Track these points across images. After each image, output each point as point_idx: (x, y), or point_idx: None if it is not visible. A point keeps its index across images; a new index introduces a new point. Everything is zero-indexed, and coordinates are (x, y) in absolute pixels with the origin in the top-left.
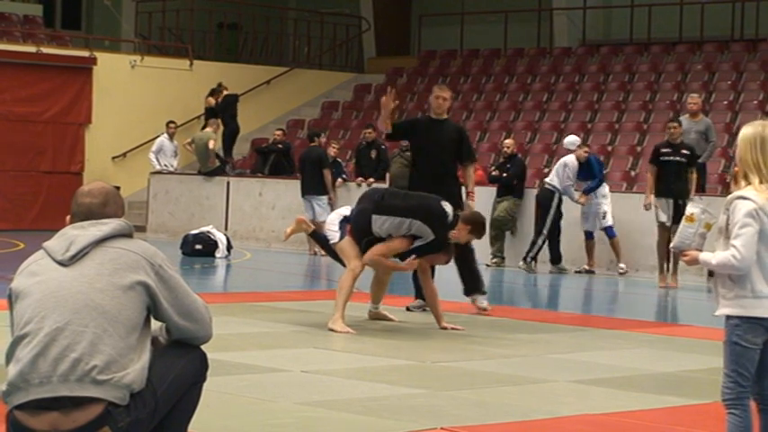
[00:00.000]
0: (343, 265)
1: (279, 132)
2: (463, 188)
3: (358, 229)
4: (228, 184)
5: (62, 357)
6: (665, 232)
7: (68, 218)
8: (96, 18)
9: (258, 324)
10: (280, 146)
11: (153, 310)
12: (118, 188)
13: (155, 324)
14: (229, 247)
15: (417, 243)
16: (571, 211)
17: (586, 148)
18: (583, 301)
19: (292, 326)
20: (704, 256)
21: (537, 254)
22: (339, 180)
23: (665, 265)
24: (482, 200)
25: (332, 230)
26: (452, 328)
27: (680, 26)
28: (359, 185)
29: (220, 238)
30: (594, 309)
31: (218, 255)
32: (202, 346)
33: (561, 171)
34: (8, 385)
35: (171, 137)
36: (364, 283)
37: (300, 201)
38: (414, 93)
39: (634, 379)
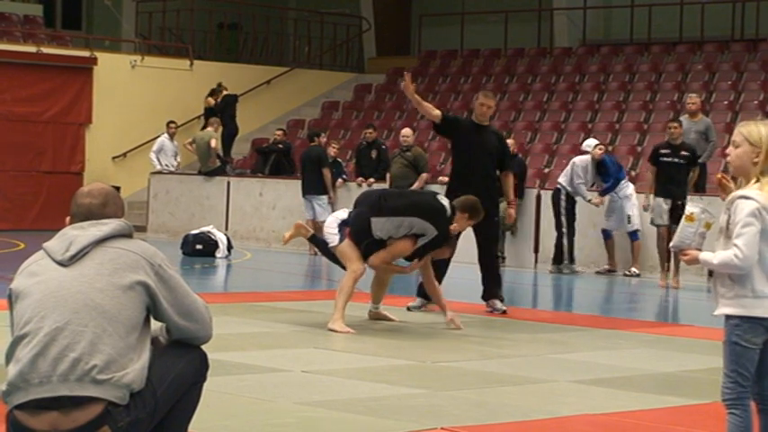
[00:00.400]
0: (343, 268)
1: (279, 132)
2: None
3: (357, 231)
4: (229, 184)
5: (62, 357)
6: (664, 233)
7: (68, 218)
8: (97, 18)
9: (258, 324)
10: (280, 146)
11: (153, 310)
12: (118, 188)
13: (155, 324)
14: (230, 247)
15: (421, 241)
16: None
17: (602, 147)
18: (583, 301)
19: (293, 326)
20: (705, 255)
21: (564, 254)
22: (339, 180)
23: (666, 266)
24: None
25: (331, 234)
26: (451, 322)
27: (680, 26)
28: (359, 185)
29: (221, 238)
30: (595, 309)
31: (218, 255)
32: (203, 346)
33: (569, 170)
34: (8, 385)
35: (171, 137)
36: (364, 283)
37: (301, 201)
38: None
39: (634, 379)
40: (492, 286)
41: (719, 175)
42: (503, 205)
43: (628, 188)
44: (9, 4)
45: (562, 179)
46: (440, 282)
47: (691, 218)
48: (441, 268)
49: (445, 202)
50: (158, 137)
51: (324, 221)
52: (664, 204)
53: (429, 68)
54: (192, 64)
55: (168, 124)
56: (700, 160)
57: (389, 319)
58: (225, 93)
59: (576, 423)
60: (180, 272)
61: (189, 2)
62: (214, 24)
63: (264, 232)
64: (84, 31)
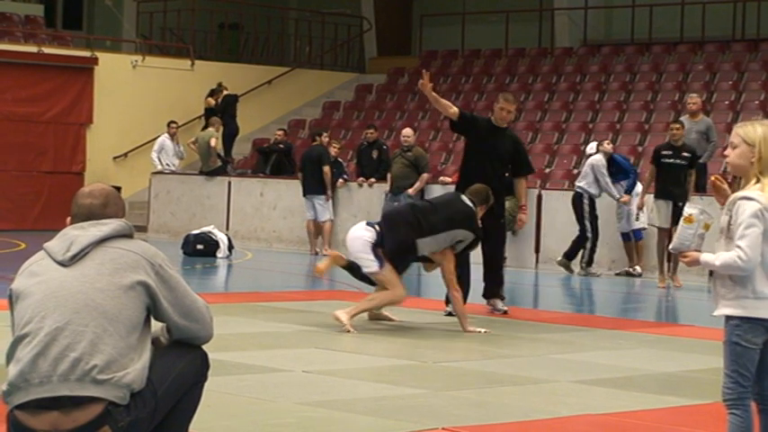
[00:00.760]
0: (371, 284)
1: (280, 132)
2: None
3: (400, 254)
4: (230, 184)
5: (62, 357)
6: (664, 234)
7: (69, 219)
8: (97, 18)
9: (259, 324)
10: (281, 146)
11: (153, 310)
12: (119, 188)
13: (156, 324)
14: (231, 247)
15: (459, 247)
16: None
17: (608, 141)
18: (584, 302)
19: (294, 326)
20: (706, 257)
21: (591, 257)
22: (340, 180)
23: (667, 266)
24: None
25: (368, 259)
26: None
27: (681, 26)
28: (360, 186)
29: (222, 239)
30: (596, 309)
31: (219, 255)
32: (203, 346)
33: (590, 172)
34: (8, 385)
35: (172, 137)
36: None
37: (302, 201)
38: (415, 93)
39: (635, 379)
40: (493, 285)
41: (714, 177)
42: (509, 203)
43: (636, 188)
44: (10, 4)
45: (582, 183)
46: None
47: (689, 219)
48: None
49: (470, 202)
50: (158, 137)
51: (325, 221)
52: (664, 206)
53: (430, 68)
54: (193, 64)
55: (169, 124)
56: (701, 160)
57: (390, 320)
58: (225, 93)
59: (576, 423)
60: (181, 272)
61: (190, 2)
62: (215, 24)
63: (265, 232)
64: (85, 32)
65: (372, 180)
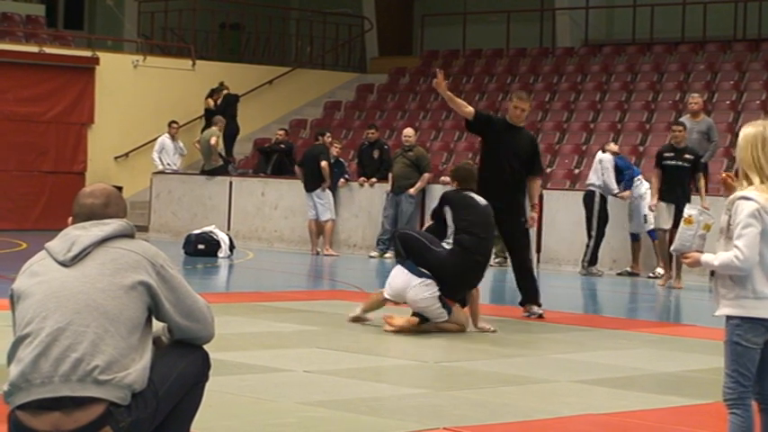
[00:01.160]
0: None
1: (281, 132)
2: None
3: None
4: (231, 183)
5: (64, 357)
6: (666, 236)
7: (70, 219)
8: (99, 18)
9: (261, 324)
10: (282, 146)
11: (154, 310)
12: (120, 188)
13: (158, 324)
14: (232, 247)
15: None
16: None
17: (612, 144)
18: (585, 301)
19: (295, 326)
20: (706, 257)
21: (593, 257)
22: (342, 180)
23: (668, 268)
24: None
25: (438, 311)
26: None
27: (682, 26)
28: (361, 185)
29: (223, 238)
30: (597, 309)
31: (220, 255)
32: (205, 346)
33: (599, 167)
34: (10, 385)
35: (173, 137)
36: (365, 282)
37: (303, 201)
38: (416, 93)
39: (636, 379)
40: (529, 294)
41: (724, 174)
42: None
43: (641, 187)
44: (11, 4)
45: (592, 179)
46: None
47: (689, 220)
48: None
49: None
50: (159, 137)
51: (326, 221)
52: (666, 208)
53: (431, 68)
54: (194, 64)
55: (170, 124)
56: (702, 160)
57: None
58: (225, 93)
59: (578, 423)
60: (182, 272)
61: (191, 2)
62: (216, 24)
63: (266, 232)
64: (86, 31)
65: (374, 180)
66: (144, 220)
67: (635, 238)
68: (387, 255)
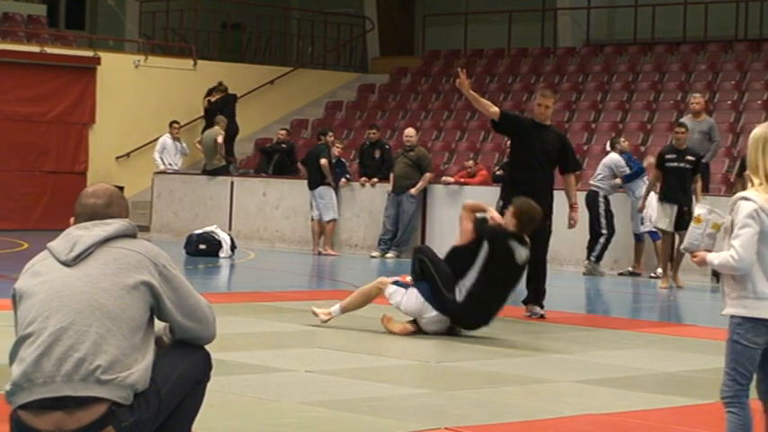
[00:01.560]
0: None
1: (283, 132)
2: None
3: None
4: (232, 183)
5: (66, 357)
6: (667, 237)
7: (72, 219)
8: (100, 18)
9: (262, 324)
10: (283, 146)
11: (156, 310)
12: (121, 188)
13: (159, 324)
14: (233, 247)
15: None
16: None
17: (623, 140)
18: (587, 301)
19: (296, 326)
20: (710, 256)
21: (601, 255)
22: (343, 180)
23: (668, 267)
24: (486, 200)
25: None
26: None
27: (684, 26)
28: (362, 185)
29: (224, 238)
30: (598, 309)
31: (221, 255)
32: (206, 346)
33: (608, 171)
34: (12, 385)
35: (174, 137)
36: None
37: (306, 201)
38: (417, 93)
39: (637, 379)
40: (536, 296)
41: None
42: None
43: (642, 188)
44: (13, 3)
45: (597, 181)
46: None
47: (698, 219)
48: None
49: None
50: (160, 137)
51: (329, 221)
52: (669, 209)
53: (432, 68)
54: (195, 64)
55: (171, 124)
56: (703, 160)
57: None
58: (222, 92)
59: (578, 423)
60: (184, 272)
61: (192, 2)
62: (217, 24)
63: (268, 232)
64: (87, 31)
65: (375, 180)
66: (145, 221)
67: (638, 238)
68: (388, 255)
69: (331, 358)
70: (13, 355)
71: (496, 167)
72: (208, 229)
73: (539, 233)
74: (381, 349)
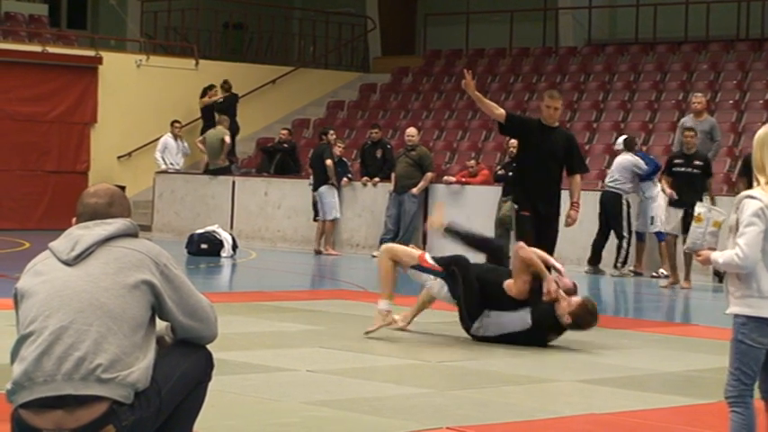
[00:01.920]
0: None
1: (284, 132)
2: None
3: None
4: (234, 183)
5: (66, 356)
6: (672, 240)
7: (74, 219)
8: (102, 18)
9: (264, 323)
10: (285, 145)
11: (158, 309)
12: (123, 188)
13: (160, 323)
14: (235, 247)
15: None
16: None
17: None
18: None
19: (298, 325)
20: (714, 255)
21: (626, 258)
22: (345, 179)
23: (674, 271)
24: (488, 199)
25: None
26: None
27: (685, 26)
28: (364, 185)
29: (226, 238)
30: (600, 308)
31: (223, 254)
32: (208, 346)
33: (624, 171)
34: (13, 384)
35: (175, 137)
36: (367, 282)
37: (307, 201)
38: (419, 92)
39: (639, 378)
40: None
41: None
42: (508, 204)
43: (653, 189)
44: (14, 3)
45: (618, 184)
46: None
47: (699, 218)
48: None
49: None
50: (162, 136)
51: (333, 220)
52: (676, 213)
53: (434, 68)
54: (197, 63)
55: (173, 124)
56: None
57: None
58: (228, 92)
59: (580, 423)
60: (185, 271)
61: (194, 1)
62: (219, 24)
63: (269, 232)
64: (89, 31)
65: (377, 179)
66: (147, 220)
67: (640, 237)
68: None
69: (333, 358)
70: (14, 355)
71: (498, 167)
72: (209, 228)
73: (550, 232)
74: (383, 349)
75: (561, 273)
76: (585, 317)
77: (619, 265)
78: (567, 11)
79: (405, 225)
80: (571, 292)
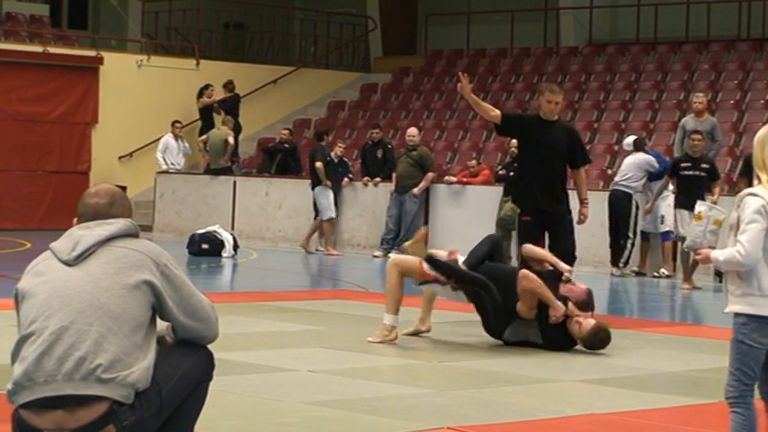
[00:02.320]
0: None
1: (285, 132)
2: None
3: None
4: (235, 183)
5: (67, 356)
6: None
7: (75, 219)
8: (103, 18)
9: (264, 324)
10: (286, 145)
11: (158, 309)
12: (124, 188)
13: (162, 324)
14: (236, 247)
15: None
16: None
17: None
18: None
19: (299, 325)
20: (715, 253)
21: (628, 258)
22: (345, 179)
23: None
24: (489, 199)
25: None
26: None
27: (686, 25)
28: (365, 185)
29: (227, 238)
30: (602, 308)
31: (224, 254)
32: (209, 346)
33: (636, 171)
34: (13, 384)
35: (176, 137)
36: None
37: (307, 201)
38: (420, 92)
39: (640, 378)
40: None
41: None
42: (509, 204)
43: (665, 189)
44: (15, 3)
45: (631, 183)
46: None
47: (699, 217)
48: None
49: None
50: (163, 137)
51: (329, 220)
52: (686, 215)
53: (435, 68)
54: (198, 64)
55: (173, 124)
56: None
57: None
58: (231, 92)
59: (581, 423)
60: (186, 271)
61: (195, 1)
62: (220, 24)
63: (270, 232)
64: (90, 31)
65: (377, 179)
66: (148, 220)
67: (645, 237)
68: (390, 254)
69: (333, 358)
70: (14, 355)
71: (499, 167)
72: (210, 228)
73: (560, 227)
74: (384, 349)
75: (569, 274)
76: (596, 344)
77: (621, 264)
78: (568, 11)
79: (406, 225)
80: (584, 303)
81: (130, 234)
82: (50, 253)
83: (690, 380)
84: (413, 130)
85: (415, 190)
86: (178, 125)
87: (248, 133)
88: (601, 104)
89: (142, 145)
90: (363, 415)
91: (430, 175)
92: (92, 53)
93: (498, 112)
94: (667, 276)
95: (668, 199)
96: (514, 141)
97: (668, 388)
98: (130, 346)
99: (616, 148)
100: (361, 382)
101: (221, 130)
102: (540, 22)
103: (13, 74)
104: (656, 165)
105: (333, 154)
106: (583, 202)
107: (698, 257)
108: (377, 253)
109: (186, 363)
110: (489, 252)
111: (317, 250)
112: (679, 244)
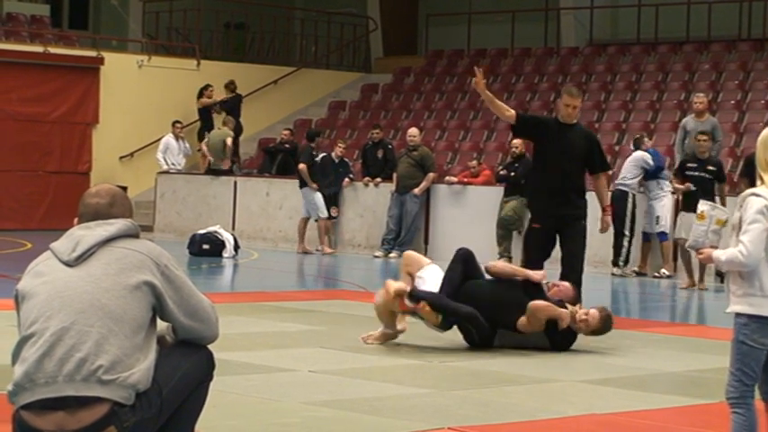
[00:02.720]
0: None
1: (286, 132)
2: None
3: None
4: (236, 183)
5: (68, 357)
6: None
7: (76, 219)
8: (103, 18)
9: (265, 324)
10: (287, 146)
11: (159, 310)
12: (125, 188)
13: (162, 324)
14: (236, 247)
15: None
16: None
17: (646, 139)
18: (591, 301)
19: (299, 325)
20: (717, 253)
21: (628, 257)
22: (346, 180)
23: (691, 273)
24: (490, 200)
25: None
26: None
27: (687, 26)
28: (366, 185)
29: (227, 238)
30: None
31: (225, 254)
32: (209, 346)
33: (634, 169)
34: (14, 385)
35: (177, 137)
36: (369, 282)
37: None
38: (421, 92)
39: (641, 379)
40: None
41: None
42: (510, 205)
43: (657, 189)
44: (16, 3)
45: (631, 180)
46: None
47: (701, 216)
48: None
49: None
50: (163, 137)
51: (318, 220)
52: (688, 218)
53: (436, 68)
54: (198, 64)
55: (174, 124)
56: None
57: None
58: (233, 93)
59: (582, 423)
60: (187, 272)
61: (196, 1)
62: (221, 24)
63: (271, 232)
64: (90, 31)
65: (378, 180)
66: (148, 220)
67: (646, 237)
68: (391, 255)
69: (334, 358)
70: (15, 356)
71: (500, 167)
72: (211, 229)
73: (570, 230)
74: (384, 349)
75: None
76: (607, 327)
77: (621, 264)
78: (569, 11)
79: (406, 225)
80: (575, 298)
81: (131, 234)
82: (51, 253)
83: (690, 380)
84: (413, 131)
85: (416, 190)
86: (179, 125)
87: (249, 134)
88: (601, 105)
89: (143, 145)
90: (363, 415)
91: (431, 175)
92: (92, 53)
93: (513, 112)
94: (668, 277)
95: (663, 200)
96: (516, 141)
97: (669, 388)
98: (131, 347)
99: (617, 148)
100: (361, 382)
101: (222, 131)
102: (540, 22)
103: (13, 74)
104: (651, 162)
105: (333, 154)
106: (605, 210)
107: (700, 257)
108: (377, 253)
109: (186, 363)
110: (463, 272)
111: (316, 250)
112: (679, 245)
